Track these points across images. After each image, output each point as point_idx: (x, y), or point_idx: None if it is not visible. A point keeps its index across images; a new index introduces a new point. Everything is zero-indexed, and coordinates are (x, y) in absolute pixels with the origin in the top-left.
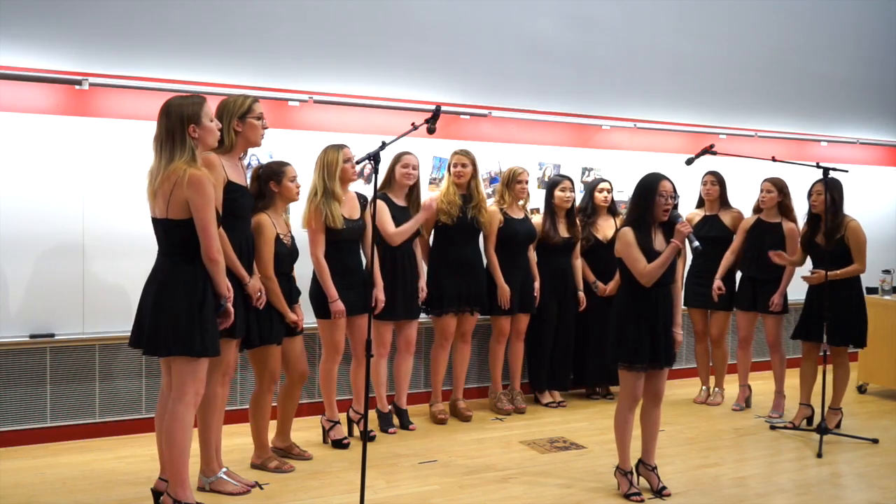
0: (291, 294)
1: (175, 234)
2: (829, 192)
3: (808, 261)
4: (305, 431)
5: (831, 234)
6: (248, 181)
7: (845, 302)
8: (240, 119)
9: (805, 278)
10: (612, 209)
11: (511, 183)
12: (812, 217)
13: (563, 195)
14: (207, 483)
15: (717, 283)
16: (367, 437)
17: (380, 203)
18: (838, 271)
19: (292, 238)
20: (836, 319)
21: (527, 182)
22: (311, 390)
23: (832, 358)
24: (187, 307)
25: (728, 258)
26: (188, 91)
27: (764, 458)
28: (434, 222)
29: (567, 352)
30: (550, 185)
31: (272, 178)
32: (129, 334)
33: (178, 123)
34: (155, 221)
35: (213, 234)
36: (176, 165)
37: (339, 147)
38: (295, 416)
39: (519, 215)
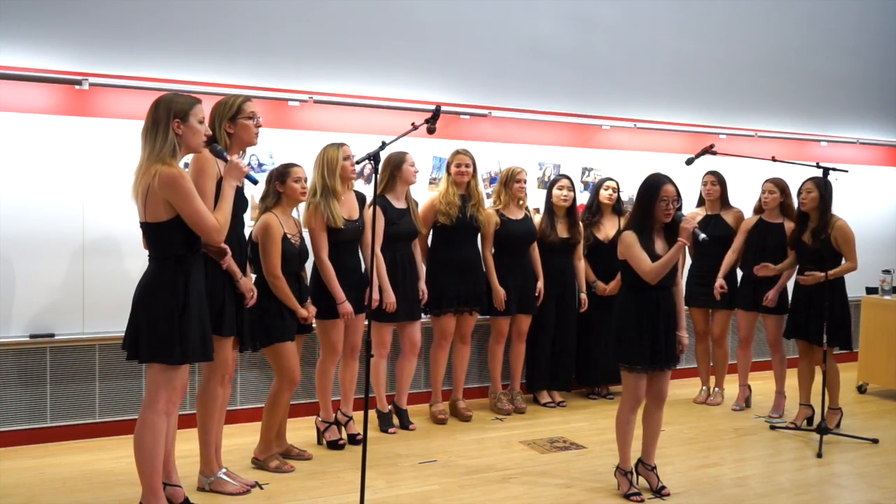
0: (301, 294)
1: (154, 238)
2: (820, 190)
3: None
4: (302, 432)
5: (818, 233)
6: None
7: (833, 303)
8: (230, 121)
9: (801, 279)
10: (616, 209)
11: (510, 182)
12: (801, 215)
13: (561, 194)
14: (207, 483)
15: (720, 281)
16: (364, 440)
17: (378, 211)
18: (835, 270)
19: (301, 238)
20: (823, 320)
21: (525, 182)
22: (310, 391)
23: (819, 358)
24: (166, 312)
25: (730, 257)
26: (188, 91)
27: (764, 458)
28: (433, 222)
29: (567, 352)
30: (549, 185)
31: (278, 179)
32: None
33: (164, 116)
34: (140, 225)
35: (206, 225)
36: (150, 166)
37: (339, 145)
38: (291, 417)
39: (518, 215)
